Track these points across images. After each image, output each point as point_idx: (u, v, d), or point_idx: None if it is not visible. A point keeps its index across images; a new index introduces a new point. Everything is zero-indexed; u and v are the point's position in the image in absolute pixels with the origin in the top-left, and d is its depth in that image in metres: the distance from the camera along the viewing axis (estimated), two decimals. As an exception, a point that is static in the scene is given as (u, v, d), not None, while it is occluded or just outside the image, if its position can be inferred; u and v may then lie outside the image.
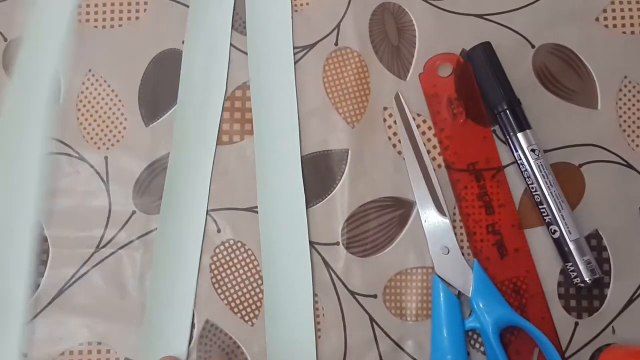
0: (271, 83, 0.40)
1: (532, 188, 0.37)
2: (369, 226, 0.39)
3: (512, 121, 0.38)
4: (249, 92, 0.40)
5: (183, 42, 0.41)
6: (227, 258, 0.39)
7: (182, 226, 0.38)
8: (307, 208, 0.39)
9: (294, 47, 0.41)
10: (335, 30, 0.41)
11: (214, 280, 0.38)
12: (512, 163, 0.39)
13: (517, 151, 0.38)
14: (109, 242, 0.39)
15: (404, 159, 0.39)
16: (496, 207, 0.38)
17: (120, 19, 0.41)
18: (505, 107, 0.38)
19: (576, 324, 0.37)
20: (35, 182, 0.39)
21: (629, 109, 0.39)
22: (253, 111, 0.39)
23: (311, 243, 0.38)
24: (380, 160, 0.39)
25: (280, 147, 0.39)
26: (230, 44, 0.41)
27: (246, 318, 0.38)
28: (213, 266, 0.38)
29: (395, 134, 0.40)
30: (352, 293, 0.38)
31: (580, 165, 0.39)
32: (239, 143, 0.40)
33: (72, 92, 0.41)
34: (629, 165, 0.39)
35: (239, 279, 0.38)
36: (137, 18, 0.41)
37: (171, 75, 0.40)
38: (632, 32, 0.40)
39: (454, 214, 0.39)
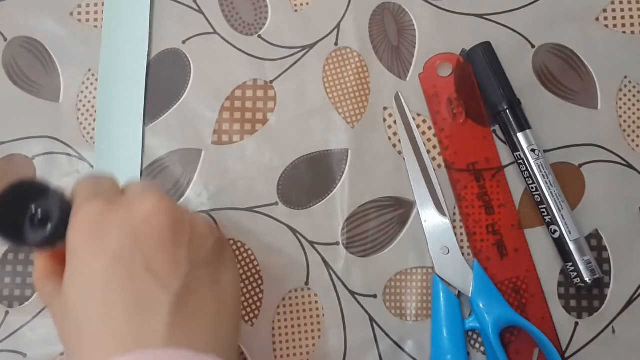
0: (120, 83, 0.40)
1: (532, 188, 0.37)
2: (369, 226, 0.39)
3: (512, 121, 0.38)
4: (249, 92, 0.40)
5: (183, 42, 0.41)
6: (227, 258, 0.39)
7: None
8: (303, 208, 0.39)
9: (294, 47, 0.41)
10: (335, 30, 0.41)
11: (214, 280, 0.38)
12: (512, 163, 0.39)
13: (517, 151, 0.38)
14: (109, 242, 0.39)
15: (404, 159, 0.39)
16: (496, 207, 0.38)
17: (120, 19, 0.41)
18: (506, 107, 0.38)
19: (576, 324, 0.37)
20: None
21: (629, 109, 0.39)
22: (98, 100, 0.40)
23: (311, 243, 0.38)
24: (380, 160, 0.39)
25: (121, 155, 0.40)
26: (230, 43, 0.41)
27: (246, 318, 0.38)
28: (213, 266, 0.38)
29: (395, 134, 0.40)
30: (352, 293, 0.38)
31: (580, 165, 0.39)
32: (238, 143, 0.40)
33: (72, 92, 0.41)
34: (629, 165, 0.39)
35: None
36: (137, 18, 0.41)
37: (171, 75, 0.40)
38: (632, 32, 0.40)
39: (454, 214, 0.39)
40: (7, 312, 0.38)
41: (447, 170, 0.39)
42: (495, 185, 0.38)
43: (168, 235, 0.28)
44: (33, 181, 0.29)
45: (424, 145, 0.39)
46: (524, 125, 0.38)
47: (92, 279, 0.27)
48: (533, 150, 0.37)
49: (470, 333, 0.37)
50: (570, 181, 0.38)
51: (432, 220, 0.38)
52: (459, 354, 0.36)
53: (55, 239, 0.28)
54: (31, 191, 0.29)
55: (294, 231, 0.39)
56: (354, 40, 0.40)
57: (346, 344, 0.38)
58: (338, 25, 0.41)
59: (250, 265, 0.38)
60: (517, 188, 0.39)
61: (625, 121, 0.39)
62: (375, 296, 0.38)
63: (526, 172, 0.38)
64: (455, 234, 0.38)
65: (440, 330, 0.36)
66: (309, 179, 0.39)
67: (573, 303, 0.38)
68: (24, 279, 0.39)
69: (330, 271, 0.38)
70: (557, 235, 0.37)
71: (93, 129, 0.40)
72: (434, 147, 0.39)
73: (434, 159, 0.39)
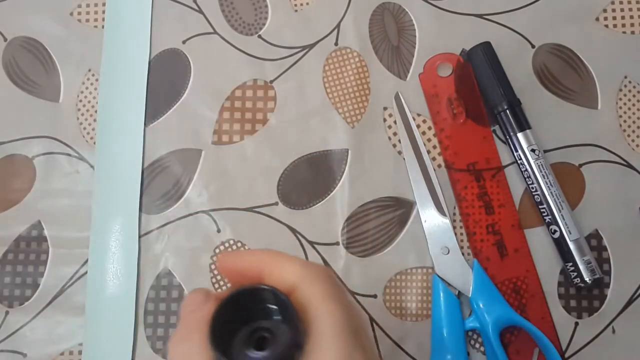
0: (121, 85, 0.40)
1: (532, 188, 0.37)
2: (369, 226, 0.39)
3: (512, 121, 0.38)
4: (249, 92, 0.40)
5: (183, 42, 0.41)
6: (227, 258, 0.38)
7: None
8: (303, 208, 0.39)
9: (294, 47, 0.41)
10: (335, 30, 0.41)
11: (214, 280, 0.38)
12: (512, 163, 0.39)
13: (517, 151, 0.38)
14: (109, 242, 0.39)
15: (404, 159, 0.39)
16: (496, 207, 0.38)
17: (120, 19, 0.41)
18: (505, 107, 0.38)
19: (576, 324, 0.37)
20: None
21: (629, 109, 0.39)
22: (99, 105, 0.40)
23: (311, 243, 0.38)
24: (380, 160, 0.39)
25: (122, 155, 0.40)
26: (230, 43, 0.41)
27: (246, 318, 0.38)
28: (213, 266, 0.38)
29: (395, 134, 0.40)
30: (352, 293, 0.38)
31: (580, 165, 0.39)
32: (238, 143, 0.40)
33: (72, 92, 0.41)
34: (629, 165, 0.39)
35: (239, 279, 0.38)
36: (137, 18, 0.41)
37: (171, 75, 0.40)
38: (632, 32, 0.40)
39: (454, 214, 0.39)
40: (7, 312, 0.38)
41: (447, 170, 0.39)
42: (495, 185, 0.38)
43: None
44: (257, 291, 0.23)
45: (424, 145, 0.39)
46: (524, 125, 0.38)
47: None
48: (533, 150, 0.37)
49: (470, 333, 0.37)
50: (570, 181, 0.38)
51: (432, 220, 0.38)
52: (459, 354, 0.36)
53: None
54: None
55: (294, 231, 0.39)
56: (354, 40, 0.40)
57: (346, 344, 0.37)
58: (338, 25, 0.41)
59: (250, 265, 0.38)
60: (517, 188, 0.39)
61: (625, 121, 0.39)
62: (375, 296, 0.38)
63: (526, 172, 0.38)
64: (455, 234, 0.38)
65: (440, 330, 0.36)
66: (309, 179, 0.39)
67: (573, 303, 0.38)
68: (24, 279, 0.39)
69: (330, 271, 0.38)
70: (557, 235, 0.37)
71: (93, 129, 0.40)
72: (434, 147, 0.39)
73: (434, 159, 0.39)
